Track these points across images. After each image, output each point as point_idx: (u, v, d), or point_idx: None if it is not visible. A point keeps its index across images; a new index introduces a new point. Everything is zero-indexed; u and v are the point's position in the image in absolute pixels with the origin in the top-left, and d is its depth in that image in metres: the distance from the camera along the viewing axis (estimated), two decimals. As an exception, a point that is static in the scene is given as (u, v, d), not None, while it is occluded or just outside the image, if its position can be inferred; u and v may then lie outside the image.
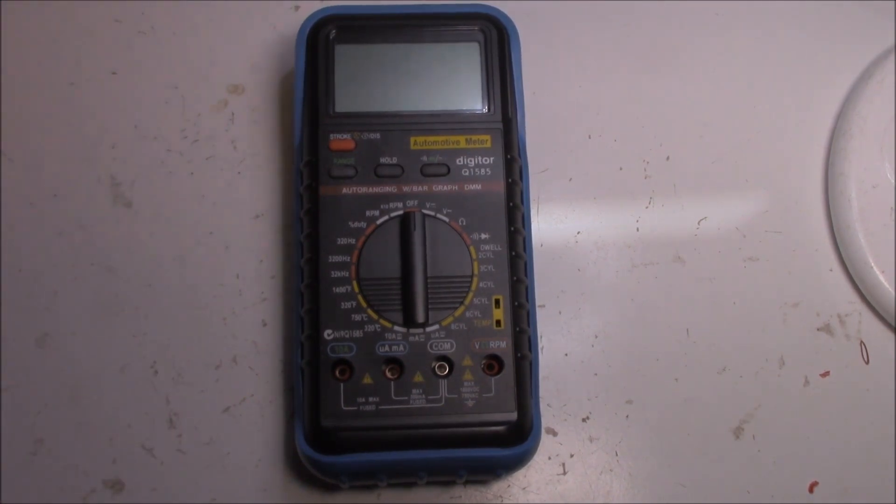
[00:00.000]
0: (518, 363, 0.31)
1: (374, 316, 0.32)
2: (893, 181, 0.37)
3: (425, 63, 0.34)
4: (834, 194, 0.37)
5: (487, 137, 0.34)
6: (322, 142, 0.33)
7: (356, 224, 0.32)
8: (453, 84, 0.34)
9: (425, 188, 0.33)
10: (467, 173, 0.33)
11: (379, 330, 0.31)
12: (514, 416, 0.31)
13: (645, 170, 0.38)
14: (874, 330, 0.36)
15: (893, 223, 0.36)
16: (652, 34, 0.39)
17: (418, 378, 0.31)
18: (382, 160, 0.33)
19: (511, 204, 0.33)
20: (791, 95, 0.39)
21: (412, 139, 0.33)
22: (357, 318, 0.32)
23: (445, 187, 0.33)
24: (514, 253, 0.33)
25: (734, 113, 0.39)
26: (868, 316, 0.36)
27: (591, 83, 0.39)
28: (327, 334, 0.31)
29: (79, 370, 0.34)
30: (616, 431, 0.35)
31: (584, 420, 0.35)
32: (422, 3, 0.35)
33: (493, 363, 0.32)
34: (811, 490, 0.34)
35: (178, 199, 0.36)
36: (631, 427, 0.35)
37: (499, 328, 0.32)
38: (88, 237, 0.36)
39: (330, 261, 0.32)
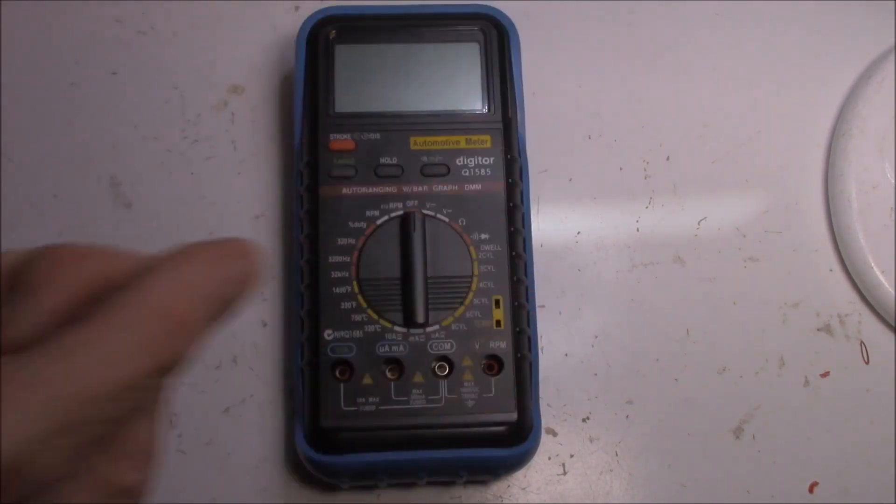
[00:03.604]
0: (518, 363, 0.31)
1: (374, 316, 0.32)
2: (893, 181, 0.37)
3: (425, 63, 0.34)
4: (834, 194, 0.37)
5: (487, 137, 0.34)
6: (322, 142, 0.33)
7: (356, 224, 0.32)
8: (453, 84, 0.34)
9: (425, 188, 0.33)
10: (467, 173, 0.33)
11: (379, 330, 0.31)
12: (513, 416, 0.31)
13: (645, 170, 0.38)
14: (874, 330, 0.36)
15: (893, 223, 0.36)
16: (652, 34, 0.39)
17: (418, 378, 0.31)
18: (382, 160, 0.33)
19: (511, 204, 0.33)
20: (791, 95, 0.39)
21: (412, 139, 0.33)
22: (357, 318, 0.32)
23: (445, 187, 0.33)
24: (514, 253, 0.32)
25: (734, 113, 0.38)
26: (868, 316, 0.36)
27: (591, 83, 0.39)
28: (327, 335, 0.31)
29: (79, 370, 0.34)
30: (616, 431, 0.35)
31: (584, 420, 0.35)
32: (422, 3, 0.35)
33: (493, 363, 0.32)
34: (811, 490, 0.34)
35: (178, 199, 0.36)
36: (631, 427, 0.35)
37: (499, 328, 0.32)
38: (88, 237, 0.36)
39: (330, 261, 0.32)
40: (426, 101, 0.34)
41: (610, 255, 0.37)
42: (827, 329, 0.36)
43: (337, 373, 0.31)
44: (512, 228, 0.33)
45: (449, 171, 0.33)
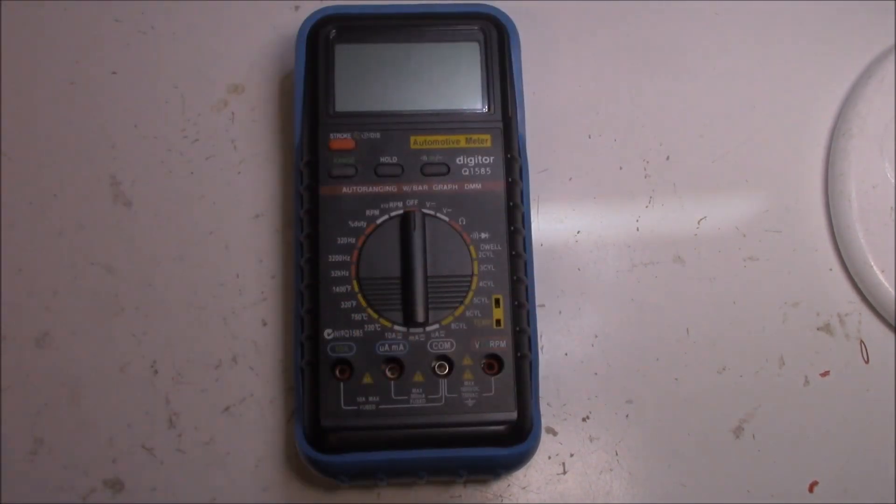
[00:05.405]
0: (518, 363, 0.31)
1: (374, 315, 0.32)
2: (893, 181, 0.37)
3: (425, 63, 0.34)
4: (834, 194, 0.37)
5: (487, 137, 0.34)
6: (322, 141, 0.33)
7: (356, 224, 0.32)
8: (453, 84, 0.34)
9: (425, 187, 0.33)
10: (467, 173, 0.33)
11: (379, 329, 0.31)
12: (513, 415, 0.31)
13: (645, 170, 0.38)
14: (874, 330, 0.36)
15: (893, 223, 0.36)
16: (652, 34, 0.39)
17: (418, 377, 0.31)
18: (382, 160, 0.33)
19: (511, 203, 0.33)
20: (791, 95, 0.39)
21: (412, 139, 0.33)
22: (357, 317, 0.32)
23: (445, 187, 0.33)
24: (513, 252, 0.33)
25: (734, 113, 0.38)
26: (868, 316, 0.36)
27: (591, 83, 0.39)
28: (327, 334, 0.31)
29: (79, 370, 0.34)
30: (616, 431, 0.35)
31: (584, 420, 0.35)
32: (422, 3, 0.36)
33: (493, 363, 0.32)
34: (811, 490, 0.34)
35: (178, 199, 0.36)
36: (631, 427, 0.35)
37: (499, 328, 0.32)
38: (88, 237, 0.36)
39: (330, 260, 0.32)
40: (426, 101, 0.34)
41: (610, 255, 0.37)
42: (827, 329, 0.36)
43: (337, 372, 0.31)
44: (512, 228, 0.33)
45: (449, 171, 0.33)
